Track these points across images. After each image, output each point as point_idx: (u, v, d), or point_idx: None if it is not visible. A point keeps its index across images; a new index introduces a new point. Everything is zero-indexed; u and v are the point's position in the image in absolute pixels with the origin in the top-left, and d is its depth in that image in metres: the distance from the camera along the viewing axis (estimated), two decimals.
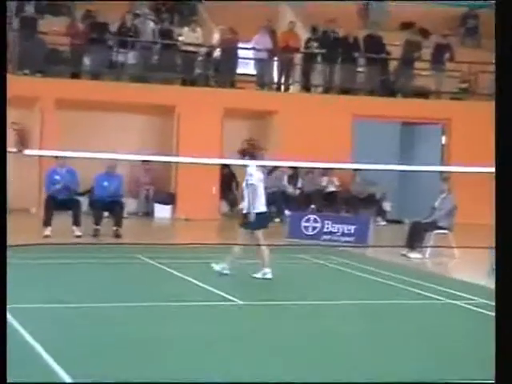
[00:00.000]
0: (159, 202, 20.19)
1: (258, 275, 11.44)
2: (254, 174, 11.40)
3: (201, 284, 10.90)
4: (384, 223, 20.32)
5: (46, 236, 14.90)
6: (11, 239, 12.01)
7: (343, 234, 16.19)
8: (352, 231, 16.17)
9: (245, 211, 11.44)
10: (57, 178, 15.69)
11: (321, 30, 21.80)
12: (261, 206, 11.45)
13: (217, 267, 11.57)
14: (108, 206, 15.81)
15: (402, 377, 6.64)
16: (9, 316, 8.41)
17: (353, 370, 6.92)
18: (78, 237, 14.97)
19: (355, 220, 17.00)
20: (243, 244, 11.43)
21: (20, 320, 8.15)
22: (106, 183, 15.83)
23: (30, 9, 19.53)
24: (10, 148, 9.41)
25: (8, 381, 5.12)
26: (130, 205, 19.85)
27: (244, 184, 11.63)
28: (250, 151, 11.93)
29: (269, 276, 11.43)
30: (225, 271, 11.51)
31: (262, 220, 11.50)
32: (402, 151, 21.65)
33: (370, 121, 21.31)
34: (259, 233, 11.46)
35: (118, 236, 15.37)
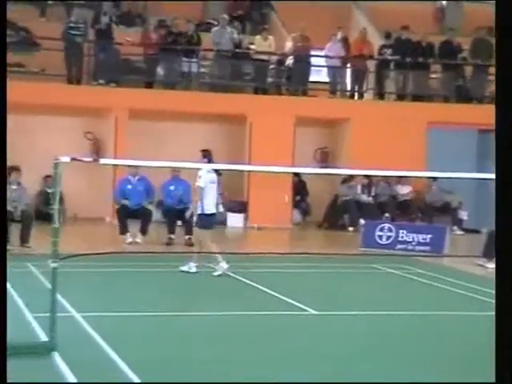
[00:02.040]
0: (231, 211, 20.16)
1: (185, 268, 12.13)
2: (202, 176, 11.96)
3: (274, 293, 10.78)
4: (461, 232, 19.87)
5: (130, 243, 15.13)
6: (86, 248, 12.12)
7: (418, 243, 15.87)
8: (427, 240, 15.84)
9: (198, 212, 12.06)
10: (129, 187, 15.81)
11: (394, 36, 21.50)
12: (208, 208, 12.03)
13: (216, 273, 12.07)
14: (180, 214, 15.86)
15: None
16: (83, 322, 8.47)
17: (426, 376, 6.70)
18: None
19: (431, 229, 16.64)
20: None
21: (93, 326, 8.18)
22: (172, 187, 15.87)
23: (105, 20, 19.79)
24: (86, 157, 9.51)
25: (8, 381, 5.18)
26: None
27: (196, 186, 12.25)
28: (209, 154, 12.32)
29: (193, 270, 12.10)
30: (219, 272, 12.00)
31: (208, 221, 12.10)
32: (479, 159, 21.14)
33: (446, 128, 20.88)
34: (205, 232, 12.07)
35: (190, 245, 15.38)
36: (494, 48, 19.56)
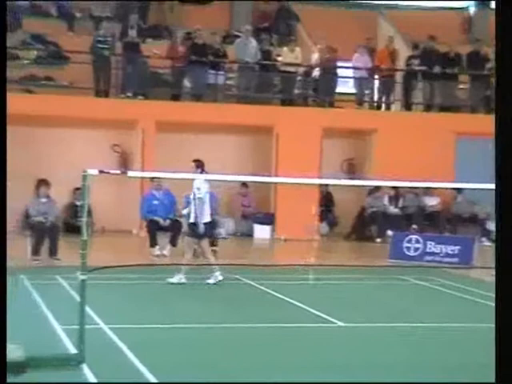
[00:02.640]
0: (258, 223, 20.17)
1: (211, 281, 12.22)
2: (201, 187, 12.08)
3: (301, 305, 10.76)
4: (489, 244, 19.69)
5: (157, 255, 15.22)
6: (114, 260, 12.16)
7: (446, 255, 15.79)
8: (456, 252, 15.76)
9: (191, 221, 12.25)
10: (155, 202, 15.88)
11: (422, 46, 21.44)
12: (206, 217, 12.24)
13: (173, 280, 12.16)
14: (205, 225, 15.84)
15: None
16: (112, 334, 8.50)
17: None
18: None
19: (459, 240, 16.53)
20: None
21: (122, 338, 8.21)
22: None
23: (132, 33, 19.94)
24: (114, 170, 9.58)
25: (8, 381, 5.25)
26: (230, 225, 19.93)
27: (191, 197, 12.23)
28: (202, 164, 12.41)
29: (220, 278, 12.23)
30: (182, 280, 12.14)
31: (207, 230, 12.37)
32: None
33: (474, 139, 20.73)
34: (205, 241, 12.41)
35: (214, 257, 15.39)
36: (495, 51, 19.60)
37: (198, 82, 20.13)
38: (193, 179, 12.09)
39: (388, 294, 12.44)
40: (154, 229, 15.70)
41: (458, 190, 19.74)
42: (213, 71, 20.03)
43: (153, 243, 15.61)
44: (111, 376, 6.90)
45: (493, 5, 25.75)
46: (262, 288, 12.10)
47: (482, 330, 9.70)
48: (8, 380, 6.51)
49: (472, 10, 26.01)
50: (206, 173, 12.45)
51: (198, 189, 12.06)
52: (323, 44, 20.91)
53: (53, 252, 14.11)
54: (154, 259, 14.96)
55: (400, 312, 10.82)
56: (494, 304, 11.31)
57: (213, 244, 15.64)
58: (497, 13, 5.19)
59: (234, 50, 20.54)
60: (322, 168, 19.78)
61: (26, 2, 22.18)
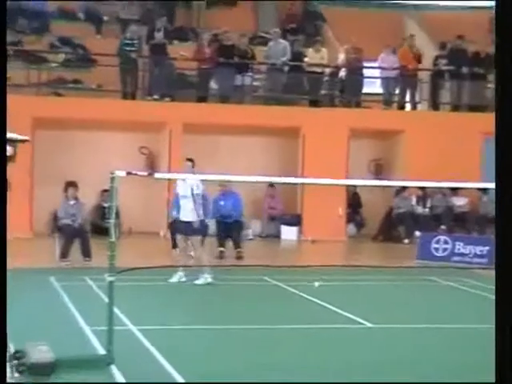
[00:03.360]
0: (285, 224, 20.16)
1: (200, 282, 12.12)
2: (199, 185, 12.09)
3: (330, 306, 10.74)
4: None
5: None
6: (142, 262, 12.23)
7: (475, 256, 15.68)
8: (485, 252, 15.63)
9: (189, 219, 12.18)
10: None
11: (449, 46, 21.30)
12: (192, 216, 12.19)
13: (199, 281, 12.15)
14: (230, 227, 15.86)
15: None
16: (140, 335, 8.54)
17: None
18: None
19: (488, 241, 16.38)
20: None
21: (150, 340, 8.24)
22: (222, 202, 15.95)
23: (159, 36, 20.02)
24: (141, 172, 9.65)
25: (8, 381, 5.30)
26: (257, 227, 19.95)
27: (189, 193, 12.09)
28: (194, 163, 12.48)
29: (209, 280, 12.11)
30: (209, 280, 12.14)
31: (205, 228, 12.41)
32: None
33: None
34: (199, 240, 12.31)
35: (240, 258, 15.39)
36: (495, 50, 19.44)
37: (224, 84, 20.15)
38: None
39: (417, 295, 12.38)
40: (175, 230, 15.67)
41: (484, 190, 19.56)
42: (240, 73, 20.04)
43: (175, 244, 15.56)
44: (140, 377, 6.93)
45: None
46: (290, 289, 12.08)
47: None
48: (37, 381, 6.58)
49: None
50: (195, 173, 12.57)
51: (197, 186, 12.11)
52: (349, 44, 20.86)
53: (85, 253, 14.15)
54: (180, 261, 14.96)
55: (429, 313, 10.75)
56: None
57: (237, 246, 15.68)
58: (497, 13, 5.15)
59: (267, 52, 20.50)
60: (349, 169, 19.72)
61: (55, 6, 22.35)
